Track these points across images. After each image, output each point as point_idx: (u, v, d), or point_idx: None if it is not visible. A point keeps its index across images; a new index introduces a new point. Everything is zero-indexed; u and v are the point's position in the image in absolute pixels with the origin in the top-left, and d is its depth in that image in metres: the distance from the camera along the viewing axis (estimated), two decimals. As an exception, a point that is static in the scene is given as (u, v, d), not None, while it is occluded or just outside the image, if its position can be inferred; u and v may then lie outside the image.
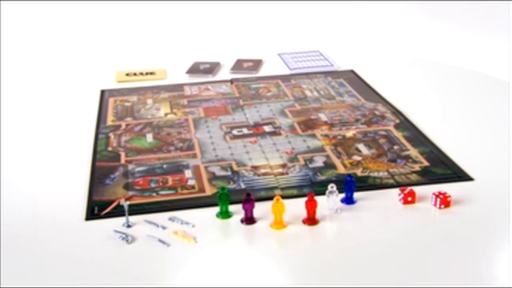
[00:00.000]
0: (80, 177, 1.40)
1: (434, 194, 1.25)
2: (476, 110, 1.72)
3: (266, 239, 1.17)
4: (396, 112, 1.70)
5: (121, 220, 1.22)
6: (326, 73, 2.07)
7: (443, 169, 1.39)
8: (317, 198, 1.20)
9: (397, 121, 1.65)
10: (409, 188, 1.27)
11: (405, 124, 1.63)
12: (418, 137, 1.55)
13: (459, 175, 1.36)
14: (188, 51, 2.37)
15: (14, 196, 1.33)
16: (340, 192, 1.25)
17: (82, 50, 2.44)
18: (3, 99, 1.92)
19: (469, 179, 1.35)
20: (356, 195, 1.29)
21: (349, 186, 1.26)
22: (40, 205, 1.30)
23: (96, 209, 1.27)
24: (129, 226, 1.21)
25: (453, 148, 1.48)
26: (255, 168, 1.42)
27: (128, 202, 1.21)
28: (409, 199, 1.26)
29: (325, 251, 1.14)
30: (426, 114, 1.69)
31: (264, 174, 1.39)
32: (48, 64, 2.28)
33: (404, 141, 1.53)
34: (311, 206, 1.19)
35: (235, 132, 1.62)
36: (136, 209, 1.27)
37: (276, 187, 1.33)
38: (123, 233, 1.17)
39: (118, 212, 1.25)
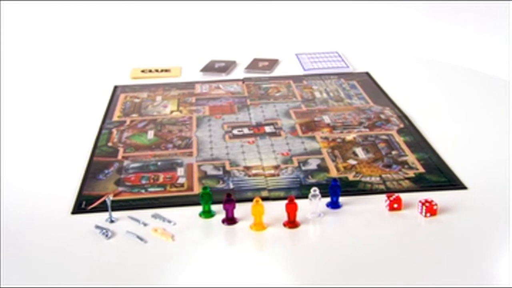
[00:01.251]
0: (76, 171, 1.43)
1: (420, 201, 1.22)
2: (485, 115, 1.68)
3: (244, 241, 1.17)
4: (402, 117, 1.67)
5: (106, 215, 1.24)
6: (340, 75, 2.05)
7: (437, 177, 1.36)
8: (304, 201, 1.19)
9: (402, 125, 1.62)
10: (396, 194, 1.24)
11: (409, 129, 1.60)
12: (419, 143, 1.52)
13: (453, 183, 1.33)
14: (207, 49, 2.39)
15: (7, 189, 1.36)
16: (327, 196, 1.24)
17: (102, 47, 2.48)
18: (18, 93, 1.97)
19: (463, 187, 1.32)
20: (343, 199, 1.28)
21: (334, 191, 1.25)
22: (31, 198, 1.33)
23: (84, 203, 1.29)
24: (112, 221, 1.22)
25: (454, 155, 1.45)
26: (247, 168, 1.42)
27: (111, 198, 1.23)
28: (395, 205, 1.24)
29: (303, 255, 1.13)
30: (434, 118, 1.66)
31: (255, 175, 1.39)
32: (68, 60, 2.33)
33: (404, 146, 1.50)
34: (291, 209, 1.18)
35: (235, 131, 1.62)
36: (123, 205, 1.28)
37: (264, 189, 1.33)
38: (104, 229, 1.18)
39: (104, 207, 1.26)
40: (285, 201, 1.21)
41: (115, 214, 1.24)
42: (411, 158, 1.44)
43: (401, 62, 2.19)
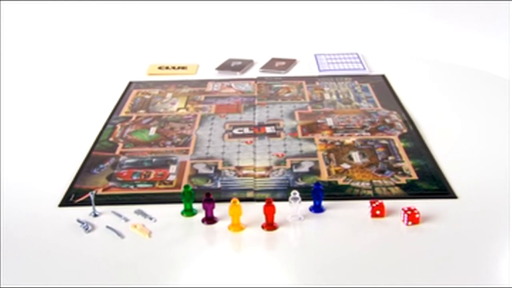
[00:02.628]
0: (73, 164, 1.46)
1: (403, 209, 1.20)
2: (499, 122, 1.62)
3: (221, 241, 1.17)
4: (408, 121, 1.64)
5: (91, 209, 1.26)
6: (355, 77, 2.02)
7: (429, 184, 1.33)
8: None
9: (405, 130, 1.59)
10: (379, 201, 1.22)
11: (411, 134, 1.57)
12: (419, 149, 1.49)
13: (444, 192, 1.30)
14: (228, 48, 2.39)
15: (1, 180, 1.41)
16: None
17: (125, 44, 2.52)
18: (37, 86, 2.02)
19: (453, 197, 1.28)
20: (328, 203, 1.26)
21: (317, 194, 1.24)
22: (23, 189, 1.37)
23: (73, 196, 1.31)
24: (95, 215, 1.24)
25: (453, 162, 1.42)
26: (238, 168, 1.42)
27: (94, 192, 1.25)
28: (378, 212, 1.22)
29: (278, 257, 1.12)
30: (441, 124, 1.63)
31: (245, 175, 1.39)
32: (89, 56, 2.38)
33: (402, 152, 1.47)
34: (269, 211, 1.18)
35: (235, 131, 1.62)
36: (110, 200, 1.30)
37: (251, 189, 1.32)
38: (85, 223, 1.20)
39: (90, 201, 1.28)
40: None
41: (102, 209, 1.26)
42: (407, 164, 1.41)
43: (421, 65, 2.15)
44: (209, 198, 1.20)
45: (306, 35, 2.53)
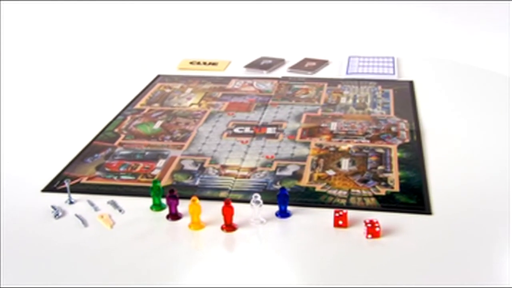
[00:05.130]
0: (71, 152, 1.52)
1: (364, 221, 1.17)
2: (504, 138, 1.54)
3: (179, 238, 1.19)
4: (414, 131, 1.59)
5: (73, 195, 1.31)
6: (381, 81, 1.97)
7: (408, 198, 1.28)
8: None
9: (407, 140, 1.54)
10: (344, 211, 1.20)
11: (412, 145, 1.52)
12: (413, 161, 1.44)
13: (419, 207, 1.25)
14: (267, 46, 2.39)
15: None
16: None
17: (167, 37, 2.58)
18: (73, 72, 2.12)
19: (428, 213, 1.24)
20: (297, 209, 1.25)
21: (282, 199, 1.23)
22: (20, 172, 1.44)
23: (58, 183, 1.37)
24: (71, 202, 1.30)
25: (443, 178, 1.36)
26: (223, 167, 1.43)
27: (69, 181, 1.30)
28: (340, 222, 1.19)
29: (229, 258, 1.13)
30: (449, 135, 1.57)
31: (227, 174, 1.40)
32: (127, 49, 2.45)
33: (395, 162, 1.43)
34: (227, 212, 1.19)
35: (236, 130, 1.63)
36: (91, 189, 1.35)
37: (225, 189, 1.33)
38: (56, 209, 1.26)
39: (75, 188, 1.34)
40: (243, 204, 1.21)
41: (80, 197, 1.31)
42: (394, 175, 1.37)
43: (456, 71, 2.06)
44: (173, 195, 1.22)
45: (349, 36, 2.49)
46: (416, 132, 1.58)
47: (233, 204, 1.24)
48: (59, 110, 1.82)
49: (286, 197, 1.23)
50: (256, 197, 1.20)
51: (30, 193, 1.34)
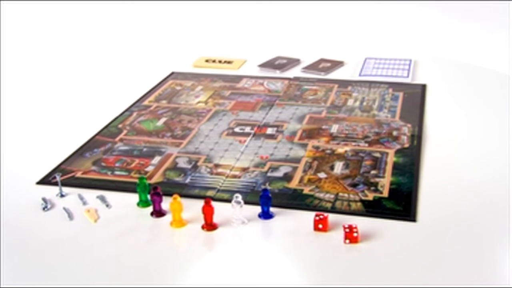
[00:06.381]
0: (73, 146, 1.55)
1: (343, 226, 1.16)
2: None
3: (159, 235, 1.20)
4: (415, 136, 1.56)
5: (66, 189, 1.34)
6: (393, 84, 1.95)
7: (394, 204, 1.27)
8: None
9: (406, 145, 1.52)
10: (325, 214, 1.19)
11: (411, 150, 1.49)
12: (409, 166, 1.42)
13: (404, 214, 1.24)
14: (287, 46, 2.38)
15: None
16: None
17: (186, 35, 2.59)
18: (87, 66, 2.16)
19: (412, 220, 1.22)
20: (280, 211, 1.25)
21: (264, 201, 1.23)
22: (20, 164, 1.48)
23: (52, 176, 1.41)
24: (62, 195, 1.33)
25: (435, 185, 1.34)
26: (216, 166, 1.44)
27: (60, 174, 1.33)
28: (320, 226, 1.19)
29: (207, 256, 1.14)
30: (451, 140, 1.54)
31: (218, 173, 1.40)
32: (147, 45, 2.48)
33: (389, 167, 1.42)
34: (207, 211, 1.19)
35: (237, 129, 1.63)
36: (84, 183, 1.38)
37: (213, 188, 1.34)
38: (46, 202, 1.29)
39: (69, 182, 1.37)
40: (229, 204, 1.22)
41: (72, 190, 1.34)
42: (385, 180, 1.36)
43: (471, 76, 2.02)
44: (156, 192, 1.24)
45: (370, 38, 2.46)
46: (417, 137, 1.56)
47: (220, 204, 1.26)
48: (72, 105, 1.86)
49: (269, 198, 1.22)
50: (237, 197, 1.20)
51: (25, 185, 1.38)
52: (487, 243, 1.13)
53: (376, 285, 1.04)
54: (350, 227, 1.15)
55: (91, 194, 1.33)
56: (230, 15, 2.69)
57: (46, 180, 1.39)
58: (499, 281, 1.04)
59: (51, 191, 1.34)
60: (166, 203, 1.25)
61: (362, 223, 1.19)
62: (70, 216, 1.25)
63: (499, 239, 1.14)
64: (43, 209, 1.27)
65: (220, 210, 1.23)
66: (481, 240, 1.14)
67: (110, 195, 1.33)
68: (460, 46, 2.36)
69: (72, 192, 1.34)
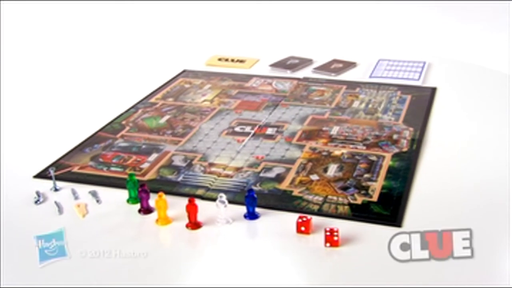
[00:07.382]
0: (74, 141, 1.58)
1: (325, 229, 1.16)
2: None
3: (143, 233, 1.22)
4: (416, 140, 1.54)
5: (62, 183, 1.37)
6: (402, 87, 1.93)
7: (382, 209, 1.26)
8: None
9: (405, 149, 1.50)
10: (308, 217, 1.19)
11: (409, 154, 1.48)
12: (404, 171, 1.40)
13: (390, 219, 1.22)
14: (305, 46, 2.38)
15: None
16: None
17: (200, 33, 2.61)
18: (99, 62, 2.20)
19: (397, 225, 1.21)
20: (267, 212, 1.26)
21: (250, 201, 1.23)
22: (20, 158, 1.52)
23: (50, 170, 1.43)
24: (56, 190, 1.35)
25: (427, 191, 1.32)
26: (210, 165, 1.45)
27: (54, 169, 1.36)
28: (302, 228, 1.18)
29: (190, 255, 1.15)
30: (452, 145, 1.52)
31: (211, 172, 1.41)
32: (161, 43, 2.50)
33: (383, 171, 1.40)
34: (191, 210, 1.21)
35: (237, 128, 1.64)
36: (79, 178, 1.40)
37: (204, 187, 1.35)
38: (39, 196, 1.32)
39: (65, 176, 1.40)
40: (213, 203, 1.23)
41: (67, 185, 1.37)
42: (378, 184, 1.35)
43: (483, 79, 1.98)
44: (144, 189, 1.25)
45: (386, 39, 2.44)
46: (417, 142, 1.54)
47: (209, 203, 1.26)
48: (82, 101, 1.89)
49: (254, 199, 1.23)
50: (221, 197, 1.21)
51: (22, 179, 1.41)
52: (486, 247, 1.10)
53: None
54: (331, 230, 1.15)
55: (84, 189, 1.35)
56: (246, 15, 2.70)
57: (42, 174, 1.42)
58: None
59: (47, 185, 1.37)
60: (153, 201, 1.26)
61: (347, 227, 1.19)
62: (60, 210, 1.27)
63: (496, 246, 1.12)
64: (35, 202, 1.30)
65: (208, 209, 1.24)
66: (479, 242, 1.10)
67: (103, 190, 1.35)
68: (477, 49, 2.32)
69: (67, 187, 1.37)
